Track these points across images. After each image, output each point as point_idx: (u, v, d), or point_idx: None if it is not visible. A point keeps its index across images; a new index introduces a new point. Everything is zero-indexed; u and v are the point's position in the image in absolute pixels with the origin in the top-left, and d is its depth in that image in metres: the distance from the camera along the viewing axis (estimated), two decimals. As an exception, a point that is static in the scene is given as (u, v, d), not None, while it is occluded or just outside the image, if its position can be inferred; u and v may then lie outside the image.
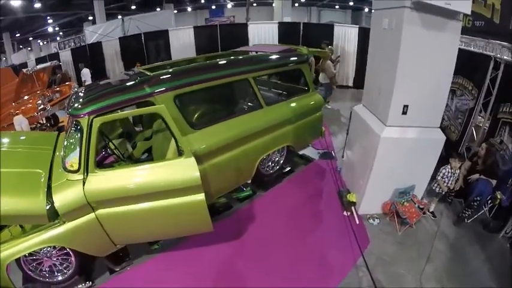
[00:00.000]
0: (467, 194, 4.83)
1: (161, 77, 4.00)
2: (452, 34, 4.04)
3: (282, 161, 5.65)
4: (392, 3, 4.02)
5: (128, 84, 3.96)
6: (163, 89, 3.85)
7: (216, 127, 4.31)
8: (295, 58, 5.45)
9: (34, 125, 8.80)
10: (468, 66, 5.47)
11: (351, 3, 28.05)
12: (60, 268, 3.73)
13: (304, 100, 5.54)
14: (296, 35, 11.94)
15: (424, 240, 4.51)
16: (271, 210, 5.06)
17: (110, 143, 4.55)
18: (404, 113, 4.24)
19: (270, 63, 5.22)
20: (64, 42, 19.84)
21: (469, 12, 4.01)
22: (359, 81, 10.50)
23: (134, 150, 5.12)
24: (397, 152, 4.38)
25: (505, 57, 4.89)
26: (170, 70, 4.27)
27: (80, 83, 12.24)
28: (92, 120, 3.37)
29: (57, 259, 3.67)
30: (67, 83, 10.95)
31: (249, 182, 5.41)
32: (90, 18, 21.81)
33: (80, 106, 3.50)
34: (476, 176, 4.81)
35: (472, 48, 5.99)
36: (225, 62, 4.95)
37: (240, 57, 5.17)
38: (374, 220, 4.84)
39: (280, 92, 5.93)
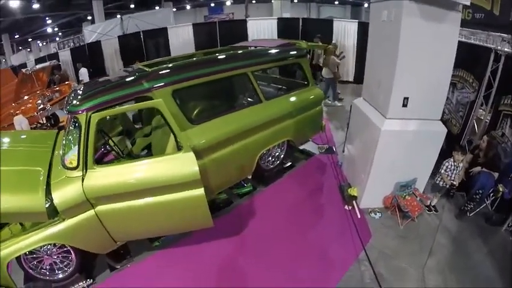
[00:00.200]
0: (469, 187, 4.81)
1: (159, 72, 3.97)
2: (452, 25, 4.00)
3: (282, 156, 5.62)
4: (391, -5, 3.99)
5: (126, 79, 3.94)
6: (162, 84, 3.82)
7: (215, 122, 4.28)
8: (294, 52, 5.41)
9: (34, 125, 8.82)
10: (468, 58, 5.44)
11: (350, -1, 28.02)
12: (61, 266, 3.72)
13: (304, 94, 5.50)
14: (295, 31, 11.92)
15: (426, 234, 4.49)
16: (272, 206, 5.04)
17: (110, 141, 4.53)
18: (404, 105, 4.21)
19: (268, 58, 5.18)
20: (63, 42, 19.86)
21: (468, 3, 3.98)
22: (359, 76, 10.47)
23: (133, 147, 5.11)
24: (397, 144, 4.35)
25: (505, 49, 4.85)
26: (168, 65, 4.25)
27: (79, 82, 12.24)
28: (90, 116, 3.35)
29: (57, 257, 3.65)
30: (67, 82, 10.98)
31: (250, 177, 5.39)
32: (89, 18, 21.76)
33: (78, 103, 3.48)
34: (478, 168, 4.79)
35: (472, 41, 5.94)
36: (223, 56, 4.91)
37: (239, 51, 5.13)
38: (375, 214, 4.82)
39: (280, 86, 5.90)
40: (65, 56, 14.02)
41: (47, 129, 9.16)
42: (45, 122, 9.48)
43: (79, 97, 3.59)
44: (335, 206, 5.03)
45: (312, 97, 5.59)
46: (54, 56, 14.26)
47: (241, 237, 4.44)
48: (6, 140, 4.52)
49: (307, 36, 10.43)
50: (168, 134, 3.85)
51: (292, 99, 5.32)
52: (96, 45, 13.73)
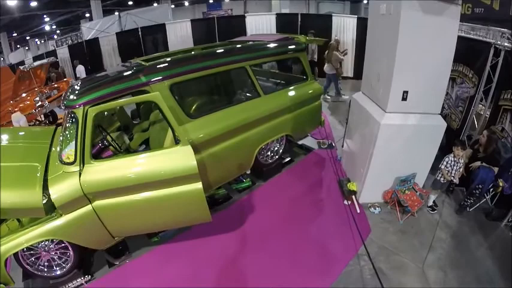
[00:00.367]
0: (469, 182, 4.78)
1: (157, 66, 3.96)
2: (452, 19, 3.95)
3: (281, 151, 5.61)
4: (390, -12, 3.95)
5: (123, 74, 3.90)
6: (159, 77, 3.80)
7: (213, 116, 4.27)
8: (293, 46, 5.40)
9: (32, 122, 8.76)
10: (468, 53, 5.40)
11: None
12: (59, 262, 3.71)
13: (303, 89, 5.49)
14: (294, 26, 11.84)
15: (425, 229, 4.47)
16: (271, 201, 5.04)
17: (107, 136, 4.50)
18: (404, 99, 4.18)
19: (267, 52, 5.16)
20: (61, 40, 19.74)
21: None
22: (358, 71, 10.42)
23: (131, 142, 5.09)
24: (397, 139, 4.33)
25: (505, 43, 4.81)
26: (166, 59, 4.22)
27: (77, 80, 12.19)
28: (87, 110, 3.33)
29: (55, 253, 3.64)
30: (65, 79, 10.92)
31: (248, 172, 5.39)
32: (87, 15, 21.71)
33: (75, 97, 3.47)
34: (478, 163, 4.76)
35: (471, 36, 5.90)
36: (221, 50, 4.88)
37: (237, 45, 5.11)
38: (375, 209, 4.80)
39: (279, 81, 5.88)
40: (63, 53, 13.97)
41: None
42: (43, 119, 9.42)
43: (76, 92, 3.58)
44: (334, 201, 5.02)
45: (310, 92, 5.57)
46: (52, 53, 14.18)
47: (240, 232, 4.43)
48: (3, 136, 4.48)
49: (306, 32, 10.36)
50: (165, 129, 3.84)
51: (291, 93, 5.30)
52: (94, 42, 13.67)
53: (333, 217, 4.70)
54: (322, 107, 6.04)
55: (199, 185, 3.56)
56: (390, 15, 4.04)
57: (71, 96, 3.52)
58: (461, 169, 4.53)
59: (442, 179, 4.63)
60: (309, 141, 6.67)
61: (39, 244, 3.49)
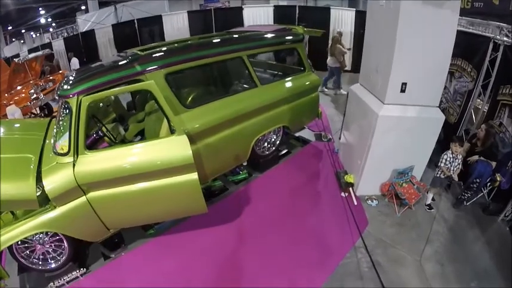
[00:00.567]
0: (467, 176, 4.76)
1: (152, 55, 3.90)
2: (451, 11, 3.90)
3: (278, 142, 5.58)
4: (390, -21, 3.90)
5: (118, 63, 3.85)
6: (154, 66, 3.74)
7: (210, 106, 4.22)
8: (291, 37, 5.35)
9: (28, 115, 8.68)
10: (467, 47, 5.36)
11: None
12: (54, 255, 3.67)
13: (300, 80, 5.44)
14: (292, 19, 11.73)
15: (423, 222, 4.46)
16: (268, 192, 5.02)
17: (102, 127, 4.44)
18: (402, 90, 4.15)
19: (264, 42, 5.11)
20: (57, 32, 19.53)
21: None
22: (357, 64, 10.36)
23: (126, 133, 5.04)
24: (395, 131, 4.30)
25: (504, 38, 4.77)
26: (162, 49, 4.17)
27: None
28: (81, 99, 3.27)
29: (50, 246, 3.60)
30: (60, 72, 10.84)
31: (245, 164, 5.37)
32: (83, 7, 21.48)
33: (68, 87, 3.42)
34: (476, 157, 4.74)
35: (471, 30, 5.86)
36: (218, 40, 4.83)
37: (234, 35, 5.04)
38: (372, 201, 4.79)
39: (276, 72, 5.83)
40: (58, 45, 13.84)
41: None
42: (38, 112, 9.35)
43: (70, 82, 3.52)
44: (331, 193, 5.00)
45: (307, 83, 5.53)
46: (48, 46, 14.04)
47: (236, 224, 4.40)
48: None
49: (299, 25, 10.28)
50: (161, 119, 3.79)
51: (288, 84, 5.27)
52: (89, 34, 13.56)
53: (330, 209, 4.68)
54: (319, 99, 5.99)
55: (194, 176, 3.52)
56: (389, 7, 3.99)
57: (65, 86, 3.47)
58: (460, 165, 4.49)
59: (442, 174, 4.60)
60: (306, 134, 6.64)
61: (33, 237, 3.45)
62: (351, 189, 4.94)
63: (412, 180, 4.70)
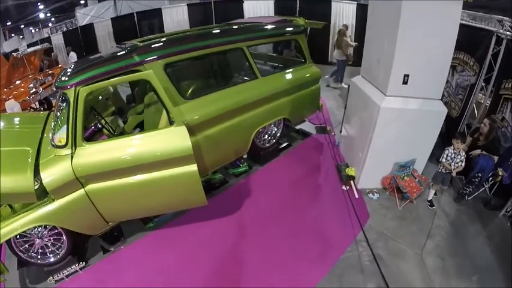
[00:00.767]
0: (469, 170, 4.73)
1: (151, 46, 3.85)
2: (454, 4, 3.85)
3: (278, 135, 5.54)
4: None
5: (116, 54, 3.79)
6: (153, 57, 3.68)
7: (209, 97, 4.17)
8: (291, 29, 5.29)
9: (27, 110, 8.64)
10: (469, 41, 5.31)
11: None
12: (53, 249, 3.65)
13: (301, 72, 5.40)
14: (293, 12, 11.64)
15: (424, 216, 4.44)
16: (268, 185, 4.99)
17: (102, 120, 4.41)
18: (404, 82, 4.10)
19: (264, 33, 5.06)
20: (56, 27, 19.45)
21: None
22: (358, 58, 10.30)
23: (125, 125, 4.99)
24: (397, 123, 4.26)
25: (507, 32, 4.72)
26: (161, 39, 4.12)
27: (70, 65, 12.04)
28: (79, 90, 3.23)
29: (48, 239, 3.58)
30: (59, 66, 10.79)
31: (245, 157, 5.34)
32: (82, 2, 21.37)
33: (66, 78, 3.37)
34: (478, 151, 4.70)
35: (473, 23, 5.79)
36: (217, 30, 4.78)
37: (234, 26, 4.99)
38: (373, 195, 4.76)
39: (276, 64, 5.77)
40: (58, 40, 13.79)
41: (39, 113, 9.01)
42: (38, 106, 9.30)
43: (68, 73, 3.48)
44: (332, 186, 4.98)
45: (308, 75, 5.48)
46: (47, 40, 13.98)
47: (236, 217, 4.39)
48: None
49: (305, 17, 10.21)
50: (160, 111, 3.76)
51: (289, 76, 5.22)
52: (89, 28, 13.52)
53: (330, 202, 4.66)
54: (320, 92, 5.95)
55: (194, 167, 3.48)
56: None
57: (63, 78, 3.43)
58: (462, 163, 4.43)
59: (443, 169, 4.56)
60: (307, 127, 6.60)
61: (32, 231, 3.42)
62: (352, 182, 4.91)
63: (414, 174, 4.67)
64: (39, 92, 8.73)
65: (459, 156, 4.43)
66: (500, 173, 4.38)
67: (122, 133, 4.82)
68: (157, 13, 13.34)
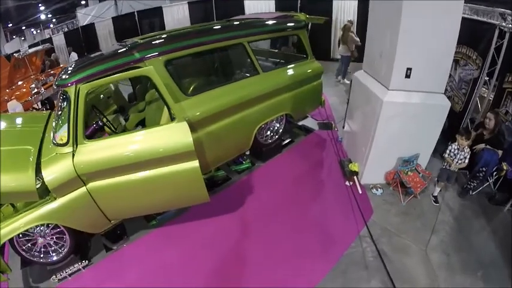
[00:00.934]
0: (473, 164, 4.69)
1: (151, 42, 3.83)
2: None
3: (281, 130, 5.52)
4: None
5: (117, 51, 3.78)
6: (154, 53, 3.66)
7: (211, 93, 4.15)
8: (293, 24, 5.26)
9: (30, 110, 8.66)
10: (472, 35, 5.25)
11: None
12: (55, 248, 3.64)
13: (303, 67, 5.36)
14: (294, 9, 11.59)
15: (428, 211, 4.40)
16: (271, 181, 4.97)
17: (103, 118, 4.40)
18: (407, 76, 4.06)
19: (265, 28, 5.03)
20: (57, 28, 19.51)
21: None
22: (359, 54, 10.26)
23: (127, 123, 4.99)
24: (400, 117, 4.22)
25: (510, 25, 4.66)
26: (162, 36, 4.11)
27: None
28: (79, 88, 3.22)
29: (51, 238, 3.57)
30: (61, 66, 10.82)
31: (248, 153, 5.32)
32: (83, 2, 21.41)
33: (67, 76, 3.37)
34: (482, 145, 4.66)
35: (475, 17, 5.74)
36: (218, 26, 4.76)
37: (235, 22, 4.96)
38: (377, 190, 4.73)
39: (278, 59, 5.75)
40: (59, 40, 13.85)
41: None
42: (40, 107, 9.32)
43: (69, 71, 3.48)
44: (335, 182, 4.95)
45: (310, 71, 5.45)
46: (48, 41, 14.04)
47: (239, 213, 4.37)
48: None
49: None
50: (161, 108, 3.74)
51: (291, 71, 5.19)
52: (90, 28, 13.57)
53: (334, 198, 4.63)
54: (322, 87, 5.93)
55: (195, 163, 3.47)
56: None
57: (63, 76, 3.44)
58: (466, 159, 4.39)
59: (447, 166, 4.52)
60: (309, 123, 6.59)
61: (34, 229, 3.41)
62: (355, 177, 4.88)
63: (418, 169, 4.63)
64: (41, 92, 8.75)
65: (463, 153, 4.38)
66: (504, 168, 4.33)
67: (124, 131, 4.79)
68: (158, 12, 13.39)
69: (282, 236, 3.99)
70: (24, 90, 8.56)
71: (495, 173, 4.63)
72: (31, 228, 3.31)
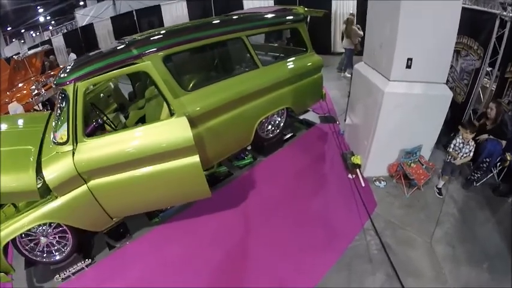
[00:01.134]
0: (476, 155, 4.65)
1: (149, 38, 3.80)
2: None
3: (282, 124, 5.49)
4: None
5: (115, 48, 3.75)
6: (152, 49, 3.63)
7: (210, 88, 4.13)
8: (291, 17, 5.23)
9: (30, 112, 8.66)
10: (472, 25, 5.21)
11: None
12: (58, 247, 3.64)
13: (303, 61, 5.33)
14: (293, 4, 11.55)
15: (432, 203, 4.36)
16: (273, 176, 4.95)
17: (103, 116, 4.39)
18: (408, 66, 4.02)
19: (264, 22, 5.00)
20: (57, 30, 19.56)
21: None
22: (362, 47, 10.23)
23: (127, 121, 4.98)
24: (402, 108, 4.18)
25: (511, 14, 4.61)
26: (160, 32, 4.08)
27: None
28: (77, 86, 3.21)
29: (54, 237, 3.57)
30: (61, 66, 10.79)
31: (249, 148, 5.30)
32: (81, 3, 21.42)
33: (65, 75, 3.36)
34: (485, 136, 4.62)
35: (476, 6, 5.68)
36: (217, 21, 4.73)
37: (233, 16, 4.94)
38: (380, 182, 4.69)
39: (277, 53, 5.72)
40: (58, 41, 13.88)
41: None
42: (41, 108, 9.32)
43: (67, 70, 3.47)
44: (338, 175, 4.92)
45: (310, 64, 5.42)
46: (48, 42, 14.05)
47: (242, 209, 4.35)
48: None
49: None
50: (161, 104, 3.73)
51: (290, 65, 5.16)
52: (89, 28, 13.59)
53: (337, 191, 4.60)
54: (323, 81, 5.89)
55: (196, 158, 3.45)
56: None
57: (62, 75, 3.43)
58: (471, 153, 4.34)
59: (451, 159, 4.47)
60: (311, 116, 6.56)
61: (36, 229, 3.40)
62: (358, 170, 4.85)
63: (421, 160, 4.60)
64: (42, 93, 8.75)
65: (468, 146, 4.32)
66: (508, 158, 4.29)
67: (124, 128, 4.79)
68: (156, 10, 13.38)
69: (286, 230, 3.97)
70: (25, 92, 8.56)
71: (499, 163, 4.59)
72: (33, 227, 3.30)
